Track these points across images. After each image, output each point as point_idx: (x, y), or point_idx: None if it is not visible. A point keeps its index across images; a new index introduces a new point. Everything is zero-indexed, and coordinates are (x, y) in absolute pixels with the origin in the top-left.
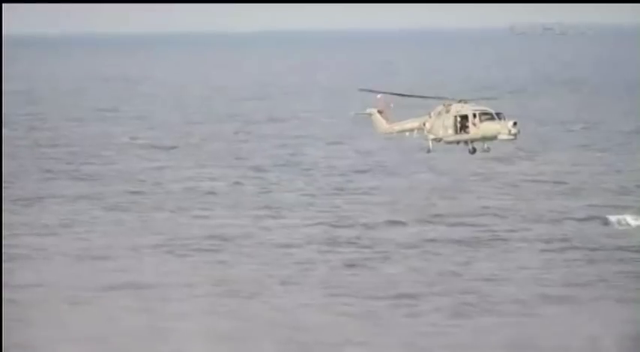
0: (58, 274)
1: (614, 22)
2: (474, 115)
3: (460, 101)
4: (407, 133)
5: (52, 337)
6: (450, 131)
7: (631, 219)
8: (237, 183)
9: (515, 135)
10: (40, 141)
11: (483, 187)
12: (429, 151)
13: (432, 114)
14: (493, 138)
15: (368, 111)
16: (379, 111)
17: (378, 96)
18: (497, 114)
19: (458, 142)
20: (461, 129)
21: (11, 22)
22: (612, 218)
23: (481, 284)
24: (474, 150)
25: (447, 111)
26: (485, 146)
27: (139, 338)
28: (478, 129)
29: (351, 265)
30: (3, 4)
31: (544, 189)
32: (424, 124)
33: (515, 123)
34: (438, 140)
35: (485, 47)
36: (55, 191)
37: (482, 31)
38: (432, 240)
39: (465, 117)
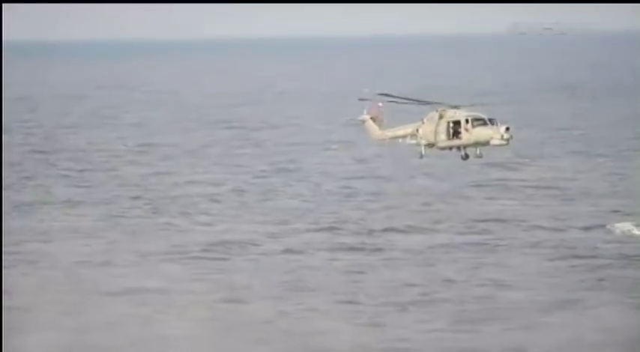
0: (58, 280)
1: (613, 22)
2: (467, 121)
3: (454, 107)
4: (400, 139)
5: (52, 344)
6: (443, 137)
7: (634, 227)
8: (237, 189)
9: (507, 140)
10: (39, 148)
11: (483, 193)
12: (421, 157)
13: (425, 120)
14: (485, 143)
15: (361, 117)
16: (372, 118)
17: (380, 104)
18: (490, 119)
19: (450, 148)
20: (453, 135)
21: (9, 28)
22: (615, 225)
23: (485, 290)
24: (466, 156)
25: (440, 117)
26: (478, 152)
27: (141, 345)
28: (470, 134)
29: (356, 271)
30: (3, 4)
31: (544, 195)
32: (417, 130)
33: (507, 129)
34: (430, 146)
35: (485, 51)
36: (55, 197)
37: (482, 36)
38: (435, 247)
39: (457, 123)
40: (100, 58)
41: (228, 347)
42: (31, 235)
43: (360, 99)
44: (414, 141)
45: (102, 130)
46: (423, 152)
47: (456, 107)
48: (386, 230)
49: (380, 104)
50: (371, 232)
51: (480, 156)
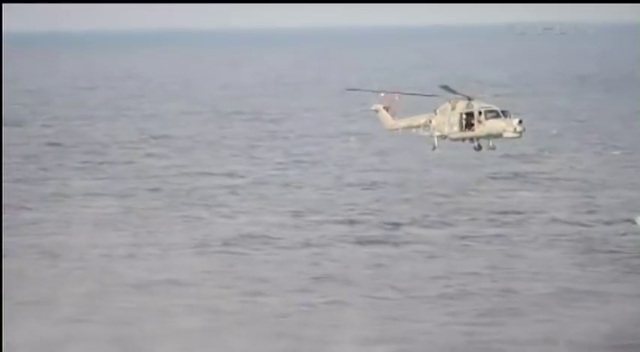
0: (78, 273)
1: (614, 21)
2: (480, 112)
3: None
4: (413, 130)
5: (74, 336)
6: (456, 128)
7: None
8: (257, 181)
9: (520, 132)
10: (56, 140)
11: (502, 185)
12: (434, 148)
13: (438, 111)
14: (498, 135)
15: (374, 107)
16: (385, 108)
17: (382, 94)
18: (503, 111)
19: (463, 139)
20: (466, 127)
21: (17, 21)
22: (636, 218)
23: (509, 283)
24: (479, 148)
25: (453, 109)
26: (491, 144)
27: (161, 338)
28: (483, 126)
29: (378, 264)
30: (3, 4)
31: (564, 187)
32: (430, 121)
33: (520, 121)
34: (443, 137)
35: (492, 44)
36: (74, 190)
37: (487, 27)
38: (457, 239)
39: (470, 115)
40: (106, 49)
41: (249, 339)
42: (51, 228)
43: (348, 90)
44: (426, 133)
45: (117, 122)
46: (436, 143)
47: (469, 98)
48: (407, 222)
49: (396, 96)
50: (392, 224)
51: (492, 148)
